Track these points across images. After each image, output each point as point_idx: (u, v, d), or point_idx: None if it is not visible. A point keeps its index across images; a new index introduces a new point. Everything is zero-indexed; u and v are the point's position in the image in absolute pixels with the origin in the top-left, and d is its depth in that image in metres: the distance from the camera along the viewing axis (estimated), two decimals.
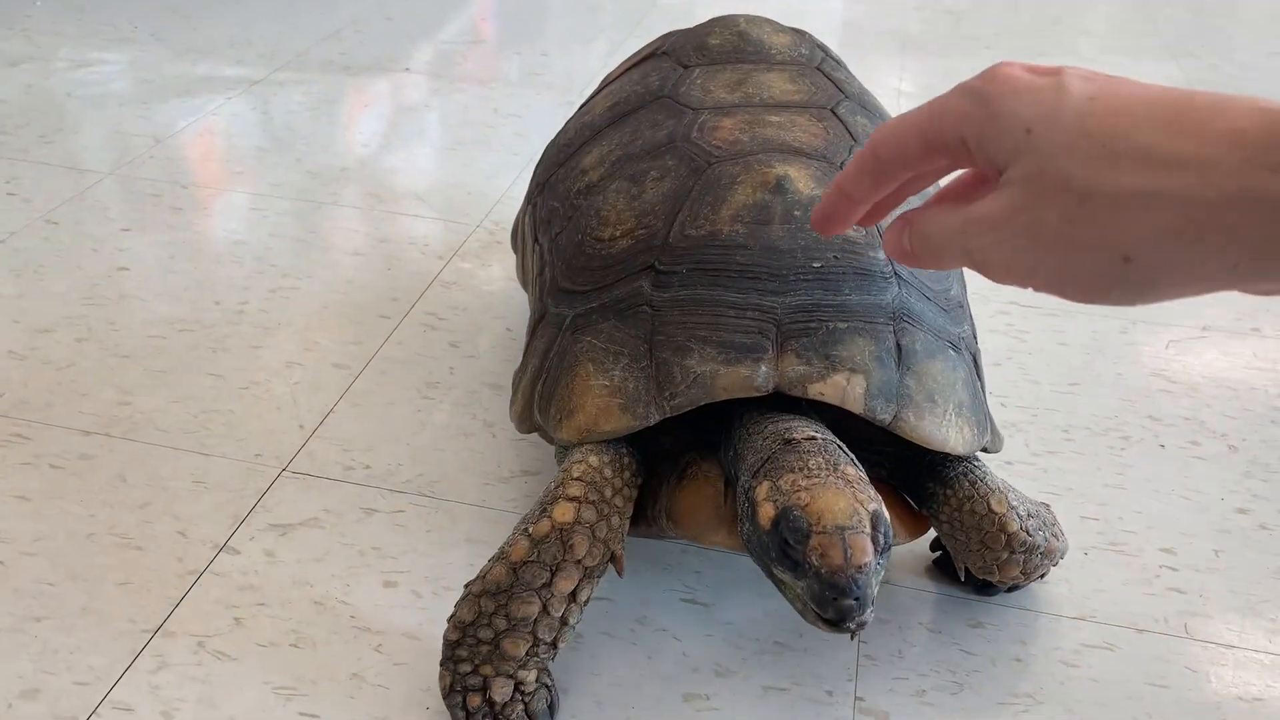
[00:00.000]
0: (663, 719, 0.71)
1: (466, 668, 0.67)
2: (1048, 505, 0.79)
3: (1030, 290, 0.50)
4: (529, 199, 0.97)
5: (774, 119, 0.80)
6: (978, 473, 0.73)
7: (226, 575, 0.80)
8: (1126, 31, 2.22)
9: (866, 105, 0.88)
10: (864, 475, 0.63)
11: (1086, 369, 1.10)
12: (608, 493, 0.68)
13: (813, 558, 0.58)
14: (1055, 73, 0.48)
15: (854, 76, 0.93)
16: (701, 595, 0.81)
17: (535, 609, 0.65)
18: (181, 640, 0.75)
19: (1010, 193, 0.48)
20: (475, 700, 0.67)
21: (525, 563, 0.65)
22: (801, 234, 0.72)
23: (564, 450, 0.76)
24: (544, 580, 0.65)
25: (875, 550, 0.58)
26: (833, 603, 0.57)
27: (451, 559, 0.83)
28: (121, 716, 0.69)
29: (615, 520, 0.68)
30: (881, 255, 0.73)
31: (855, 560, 0.57)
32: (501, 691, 0.67)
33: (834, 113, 0.83)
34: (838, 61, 0.94)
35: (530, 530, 0.66)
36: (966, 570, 0.76)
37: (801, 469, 0.62)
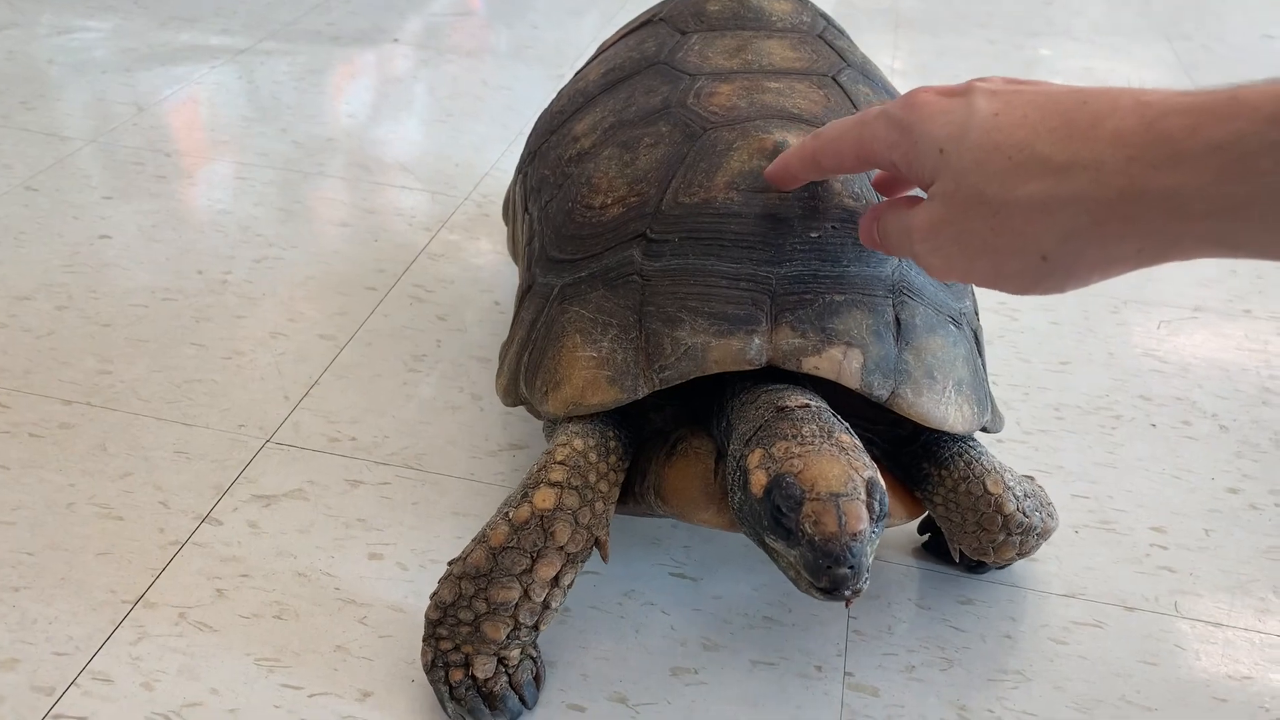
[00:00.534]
0: (650, 692, 0.71)
1: (448, 645, 0.66)
2: (1032, 478, 0.78)
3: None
4: (520, 168, 0.95)
5: (773, 85, 0.78)
6: (973, 452, 0.72)
7: (209, 546, 0.79)
8: (1119, 12, 2.21)
9: (869, 74, 0.86)
10: (859, 443, 0.61)
11: (1078, 348, 1.10)
12: (592, 477, 0.66)
13: (806, 525, 0.56)
14: (966, 92, 0.53)
15: (856, 45, 0.91)
16: (690, 570, 0.80)
17: (515, 594, 0.64)
18: (162, 611, 0.74)
19: (934, 207, 0.54)
20: (458, 675, 0.66)
21: (505, 548, 0.63)
22: (799, 202, 0.70)
23: (552, 425, 0.74)
24: (524, 566, 0.63)
25: (870, 518, 0.57)
26: (827, 571, 0.56)
27: (438, 531, 0.82)
28: (101, 687, 0.68)
29: (600, 505, 0.66)
30: None
31: (849, 527, 0.56)
32: (484, 668, 0.66)
33: (835, 80, 0.81)
34: (840, 30, 0.91)
35: (510, 515, 0.64)
36: (961, 552, 0.75)
37: (795, 436, 0.60)
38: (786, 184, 0.68)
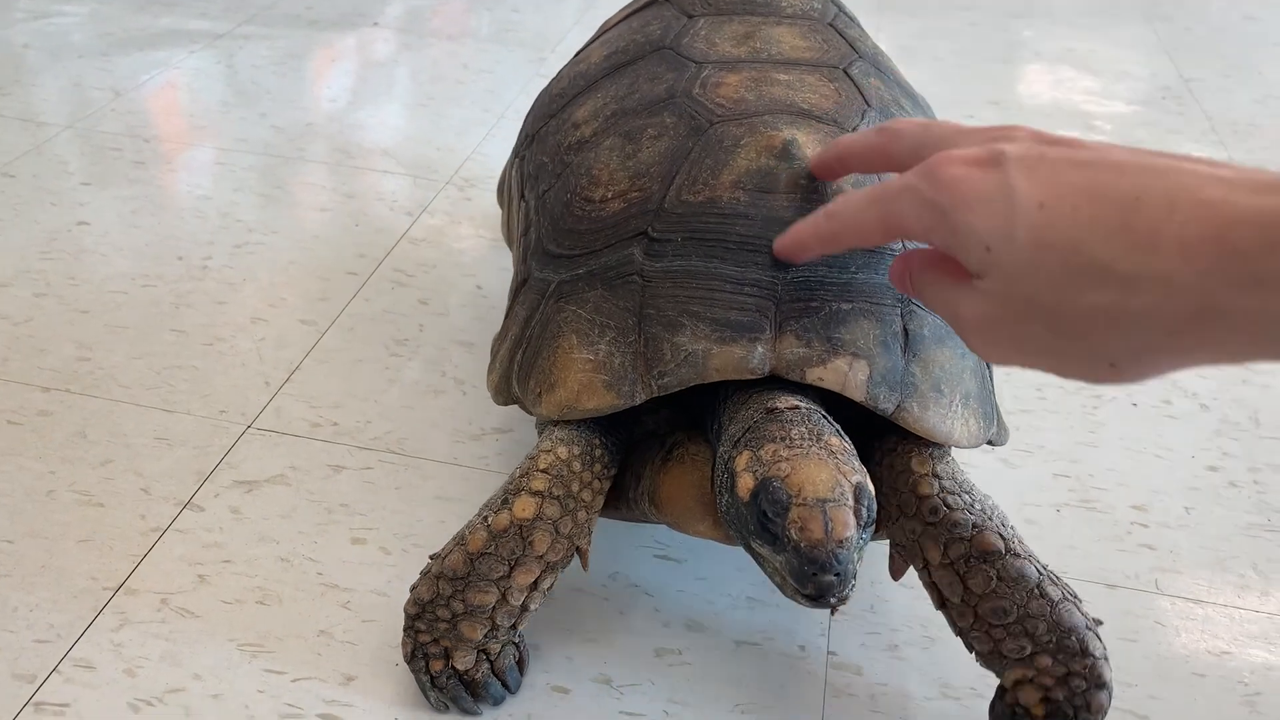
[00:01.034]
0: (635, 673, 0.71)
1: (426, 638, 0.65)
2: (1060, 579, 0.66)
3: None
4: (517, 151, 0.92)
5: (782, 77, 0.75)
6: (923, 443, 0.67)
7: (190, 532, 0.79)
8: None
9: (880, 66, 0.83)
10: (849, 446, 0.60)
11: None
12: (575, 487, 0.65)
13: (792, 531, 0.55)
14: (997, 164, 0.48)
15: (867, 34, 0.88)
16: (674, 552, 0.80)
17: (493, 598, 0.63)
18: (144, 598, 0.73)
19: (985, 303, 0.50)
20: (438, 665, 0.66)
21: (482, 554, 0.63)
22: (808, 204, 0.66)
23: (544, 422, 0.73)
24: (501, 573, 0.63)
25: (858, 524, 0.56)
26: (812, 578, 0.55)
27: (420, 516, 0.82)
28: (83, 674, 0.68)
29: (582, 515, 0.65)
30: None
31: (836, 534, 0.55)
32: (464, 660, 0.66)
33: (847, 73, 0.78)
34: (851, 18, 0.88)
35: (490, 521, 0.63)
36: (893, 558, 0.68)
37: (784, 439, 0.58)
38: (798, 258, 0.64)
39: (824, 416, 0.62)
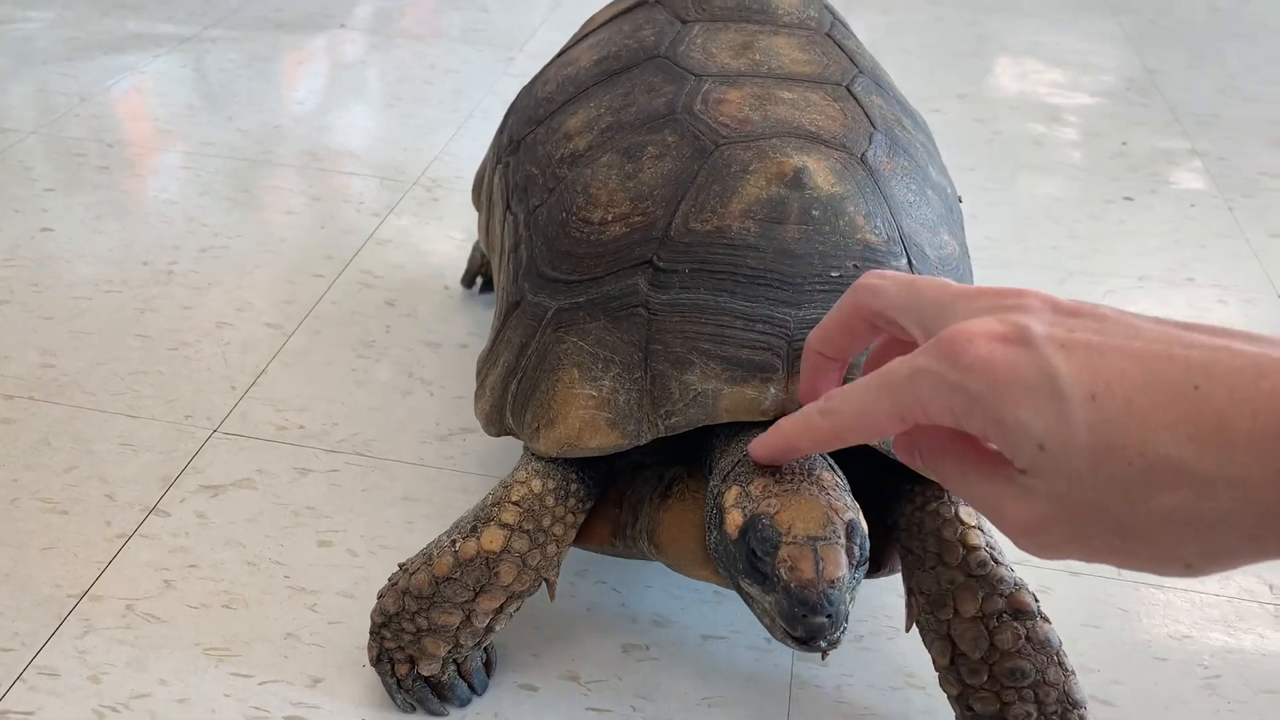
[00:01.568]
0: (602, 669, 0.71)
1: (392, 644, 0.65)
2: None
3: None
4: (499, 155, 0.86)
5: (786, 95, 0.72)
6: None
7: (156, 538, 0.79)
8: None
9: (880, 81, 0.79)
10: (842, 481, 0.57)
11: None
12: (546, 521, 0.63)
13: (782, 570, 0.53)
14: (1026, 342, 0.44)
15: (862, 45, 0.86)
16: None
17: (457, 620, 0.63)
18: (109, 604, 0.73)
19: (1039, 506, 0.45)
20: (404, 669, 0.66)
21: (448, 579, 0.62)
22: (819, 237, 0.64)
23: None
24: (466, 598, 0.63)
25: (850, 564, 0.53)
26: (802, 620, 0.52)
27: (388, 517, 0.82)
28: (47, 682, 0.68)
29: (552, 549, 0.64)
30: (904, 263, 0.66)
31: (828, 574, 0.52)
32: (430, 668, 0.66)
33: (850, 91, 0.75)
34: (845, 26, 0.85)
35: (457, 547, 0.63)
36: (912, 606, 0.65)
37: (774, 473, 0.56)
38: (781, 462, 0.58)
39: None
